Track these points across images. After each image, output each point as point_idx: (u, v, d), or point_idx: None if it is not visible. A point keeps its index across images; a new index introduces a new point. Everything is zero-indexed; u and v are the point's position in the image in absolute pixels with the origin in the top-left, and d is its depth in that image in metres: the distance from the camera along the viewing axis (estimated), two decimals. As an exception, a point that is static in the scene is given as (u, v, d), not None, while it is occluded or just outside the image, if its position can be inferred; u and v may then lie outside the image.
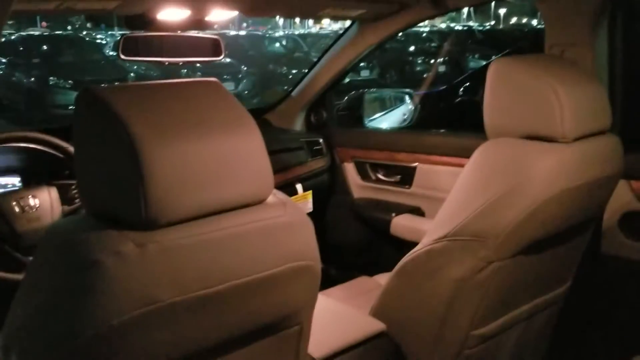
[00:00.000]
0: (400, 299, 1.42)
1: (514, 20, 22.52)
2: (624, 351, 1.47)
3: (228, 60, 9.96)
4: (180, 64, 1.37)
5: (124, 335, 0.79)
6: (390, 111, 2.58)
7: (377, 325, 1.37)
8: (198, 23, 1.69)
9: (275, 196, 0.99)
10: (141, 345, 0.82)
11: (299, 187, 2.28)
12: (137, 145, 0.79)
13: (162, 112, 0.85)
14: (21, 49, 10.36)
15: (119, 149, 0.81)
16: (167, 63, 1.80)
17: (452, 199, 1.37)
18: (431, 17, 2.20)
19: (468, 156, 1.36)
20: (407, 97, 2.58)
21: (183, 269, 0.82)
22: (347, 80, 2.73)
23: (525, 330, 1.51)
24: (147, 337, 0.82)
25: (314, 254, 1.00)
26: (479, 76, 2.14)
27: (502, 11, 22.20)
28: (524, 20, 20.78)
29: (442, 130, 2.33)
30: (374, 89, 2.74)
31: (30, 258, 1.27)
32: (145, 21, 1.60)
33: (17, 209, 1.54)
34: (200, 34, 1.76)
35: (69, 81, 8.66)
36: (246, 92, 9.94)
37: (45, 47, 10.54)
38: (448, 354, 1.36)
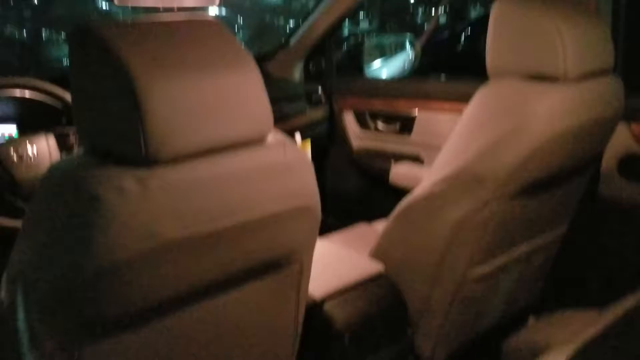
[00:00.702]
0: (399, 241, 1.43)
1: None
2: (618, 291, 1.50)
3: (224, 13, 9.78)
4: (175, 10, 1.34)
5: (127, 270, 0.80)
6: (390, 57, 2.54)
7: (376, 267, 1.39)
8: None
9: (275, 137, 0.98)
10: (144, 281, 0.83)
11: (297, 137, 2.27)
12: (135, 80, 0.78)
13: (160, 48, 0.83)
14: (11, 2, 10.14)
15: (116, 85, 0.80)
16: (161, 9, 1.76)
17: (452, 142, 1.37)
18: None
19: (468, 102, 1.36)
20: (407, 44, 2.53)
21: (184, 206, 0.83)
22: (346, 33, 2.69)
23: (522, 270, 1.53)
24: (150, 273, 0.83)
25: (313, 195, 1.01)
26: (481, 24, 2.11)
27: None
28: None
29: (442, 77, 2.31)
30: (374, 35, 2.69)
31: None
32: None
33: (15, 157, 1.54)
34: (196, -21, 1.72)
35: (62, 34, 8.51)
36: (243, 44, 9.80)
37: (35, 0, 10.31)
38: (445, 293, 1.38)
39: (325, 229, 1.12)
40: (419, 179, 1.47)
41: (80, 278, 0.78)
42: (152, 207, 0.80)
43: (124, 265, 0.79)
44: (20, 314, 0.82)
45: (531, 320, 1.68)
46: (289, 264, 1.05)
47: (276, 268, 1.03)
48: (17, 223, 1.47)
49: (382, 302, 1.35)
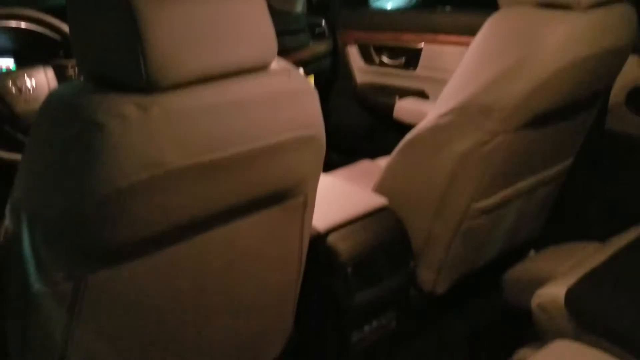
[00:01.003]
0: (403, 175, 1.43)
1: None
2: (621, 224, 1.51)
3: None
4: None
5: (130, 198, 0.80)
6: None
7: (379, 200, 1.39)
8: None
9: (279, 64, 0.96)
10: (147, 210, 0.83)
11: (300, 71, 2.23)
12: (135, 4, 0.75)
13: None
14: None
15: (115, 8, 0.77)
16: None
17: (459, 74, 1.34)
18: None
19: (476, 35, 1.32)
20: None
21: (187, 134, 0.81)
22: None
23: (525, 203, 1.53)
24: (153, 202, 0.83)
25: (318, 123, 0.99)
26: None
27: None
28: None
29: (450, 9, 2.24)
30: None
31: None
32: None
33: (13, 90, 1.51)
34: None
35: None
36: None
37: None
38: (449, 225, 1.39)
39: (328, 165, 1.11)
40: (424, 114, 1.45)
41: (83, 206, 0.78)
42: (154, 134, 0.78)
43: (127, 194, 0.79)
44: (26, 242, 0.82)
45: (532, 253, 1.70)
46: (294, 195, 1.05)
47: (280, 199, 1.03)
48: (17, 156, 1.46)
49: (385, 235, 1.36)
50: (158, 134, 0.79)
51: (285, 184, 1.00)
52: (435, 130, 1.33)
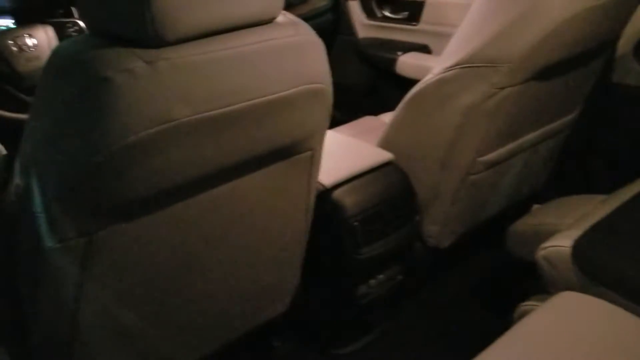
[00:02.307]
0: (408, 129, 1.42)
1: None
2: (625, 177, 1.51)
3: None
4: None
5: (139, 153, 0.79)
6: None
7: (385, 155, 1.39)
8: None
9: (286, 16, 0.94)
10: (156, 165, 0.83)
11: (303, 25, 2.19)
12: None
13: None
14: None
15: None
16: None
17: (464, 27, 1.32)
18: None
19: None
20: None
21: (195, 88, 0.81)
22: None
23: (530, 157, 1.53)
24: (162, 156, 0.83)
25: (326, 76, 0.98)
26: None
27: None
28: None
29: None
30: None
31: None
32: None
33: (14, 48, 1.50)
34: None
35: None
36: None
37: None
38: (453, 179, 1.39)
39: (331, 123, 1.11)
40: (427, 68, 1.43)
41: (92, 161, 0.77)
42: (161, 88, 0.78)
43: (135, 148, 0.79)
44: (37, 198, 0.82)
45: (535, 207, 1.71)
46: (302, 150, 1.05)
47: (288, 154, 1.03)
48: (22, 116, 1.45)
49: (391, 189, 1.37)
50: (165, 88, 0.78)
51: (293, 139, 1.00)
52: (441, 84, 1.32)
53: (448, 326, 1.57)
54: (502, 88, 1.25)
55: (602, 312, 1.09)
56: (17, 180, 0.86)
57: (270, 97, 0.89)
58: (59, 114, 0.79)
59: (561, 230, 1.29)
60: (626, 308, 1.09)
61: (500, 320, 1.30)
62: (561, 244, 1.22)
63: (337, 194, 1.30)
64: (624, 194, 1.38)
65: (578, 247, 1.19)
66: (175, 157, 0.84)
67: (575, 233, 1.24)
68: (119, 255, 0.92)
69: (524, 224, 1.53)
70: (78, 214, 0.83)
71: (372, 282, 1.38)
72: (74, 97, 0.77)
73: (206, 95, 0.82)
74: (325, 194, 1.29)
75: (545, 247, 1.25)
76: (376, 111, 1.99)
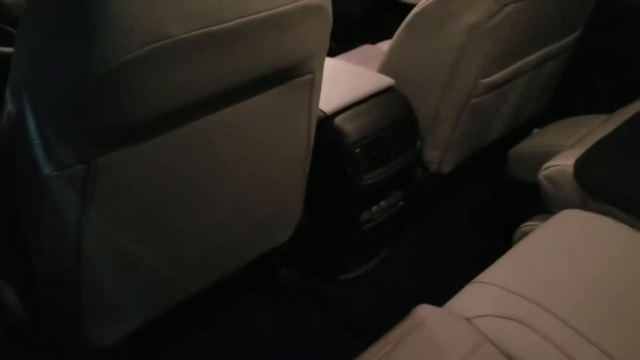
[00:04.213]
0: (408, 53, 1.39)
1: None
2: (626, 98, 1.49)
3: None
4: None
5: (134, 73, 0.77)
6: None
7: (385, 80, 1.36)
8: None
9: None
10: (153, 86, 0.80)
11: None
12: None
13: None
14: None
15: None
16: None
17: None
18: None
19: None
20: None
21: (189, 3, 0.77)
22: None
23: (532, 78, 1.50)
24: (158, 77, 0.80)
25: None
26: None
27: None
28: None
29: None
30: None
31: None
32: None
33: (-6, -22, 1.43)
34: None
35: None
36: None
37: None
38: (455, 103, 1.37)
39: (329, 53, 1.08)
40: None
41: (85, 82, 0.75)
42: (155, 4, 0.74)
43: (130, 68, 0.76)
44: (31, 124, 0.80)
45: (536, 131, 1.70)
46: (301, 73, 1.02)
47: (288, 77, 1.00)
48: (9, 49, 1.41)
49: (392, 115, 1.35)
50: (159, 4, 0.75)
51: (292, 59, 0.97)
52: (442, 2, 1.28)
53: (450, 249, 1.59)
54: (506, 5, 1.22)
55: (603, 228, 1.09)
56: (9, 107, 0.84)
57: (267, 12, 0.85)
58: (47, 34, 0.75)
59: (563, 151, 1.28)
60: (627, 223, 1.10)
61: (502, 241, 1.32)
62: (563, 162, 1.22)
63: (337, 120, 1.28)
64: (626, 113, 1.37)
65: (580, 165, 1.19)
66: (171, 77, 0.82)
67: (577, 152, 1.23)
68: (120, 183, 0.91)
69: (525, 147, 1.53)
70: (75, 139, 0.81)
71: (375, 208, 1.38)
72: (64, 15, 0.73)
73: (203, 11, 0.78)
74: (326, 121, 1.27)
75: (548, 167, 1.25)
76: (374, 40, 1.95)
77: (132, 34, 0.73)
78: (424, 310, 0.95)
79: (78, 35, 0.73)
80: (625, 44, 1.66)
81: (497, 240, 1.34)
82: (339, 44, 2.18)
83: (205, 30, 0.80)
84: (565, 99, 1.74)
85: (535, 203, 1.34)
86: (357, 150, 1.28)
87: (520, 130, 1.67)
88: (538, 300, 0.93)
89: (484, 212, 1.70)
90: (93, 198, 0.89)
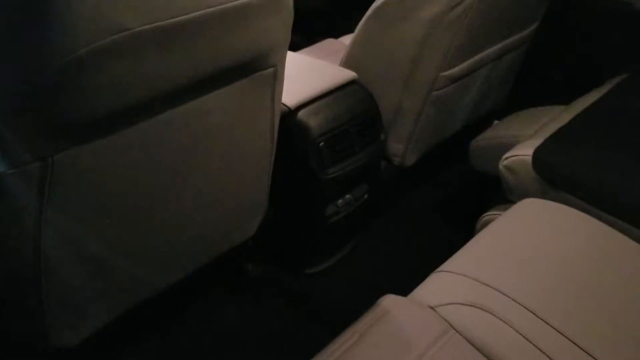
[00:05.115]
0: (371, 46, 1.40)
1: None
2: (583, 88, 1.53)
3: None
4: None
5: (91, 67, 0.75)
6: None
7: (348, 74, 1.37)
8: None
9: None
10: (109, 80, 0.79)
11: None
12: None
13: None
14: None
15: None
16: None
17: None
18: None
19: None
20: None
21: None
22: None
23: (492, 70, 1.53)
24: (115, 71, 0.78)
25: None
26: None
27: None
28: None
29: None
30: None
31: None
32: None
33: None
34: None
35: None
36: None
37: None
38: (417, 95, 1.38)
39: (291, 48, 1.08)
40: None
41: (41, 76, 0.73)
42: None
43: (87, 61, 0.74)
44: (-17, 120, 0.78)
45: (496, 123, 1.73)
46: (263, 67, 1.01)
47: (249, 71, 1.00)
48: None
49: (355, 109, 1.35)
50: (115, -4, 0.73)
51: (253, 53, 0.97)
52: (403, -4, 1.29)
53: (416, 240, 1.61)
54: (465, -2, 1.24)
55: (562, 216, 1.12)
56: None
57: (227, 5, 0.85)
58: (2, 28, 0.74)
59: (522, 141, 1.31)
60: (586, 211, 1.13)
61: (466, 231, 1.34)
62: (522, 153, 1.25)
63: (301, 114, 1.28)
64: (582, 103, 1.41)
65: (539, 153, 1.22)
66: (128, 72, 0.80)
67: (536, 142, 1.26)
68: (80, 181, 0.89)
69: (485, 138, 1.55)
70: (30, 136, 0.79)
71: (340, 201, 1.39)
72: (18, 8, 0.71)
73: (159, 3, 0.77)
74: (289, 115, 1.27)
75: (507, 157, 1.28)
76: (337, 35, 1.95)
77: (89, 26, 0.72)
78: (389, 301, 0.96)
79: (32, 28, 0.71)
80: (582, 35, 1.70)
81: (461, 231, 1.36)
82: (302, 38, 2.18)
83: (164, 22, 0.79)
84: (524, 90, 1.77)
85: (497, 193, 1.36)
86: (321, 144, 1.28)
87: (481, 122, 1.70)
88: (500, 288, 0.95)
89: (448, 202, 1.73)
90: (51, 196, 0.87)
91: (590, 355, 0.85)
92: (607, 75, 1.54)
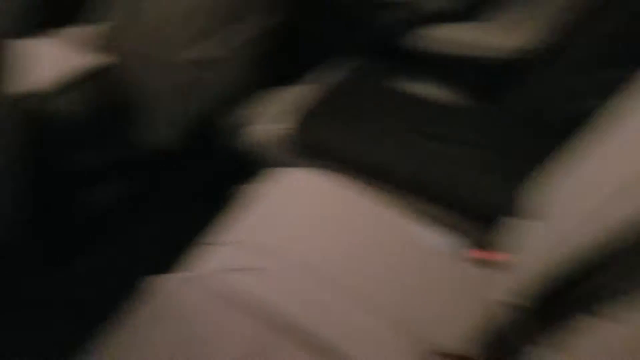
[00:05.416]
0: (123, 32, 1.35)
1: None
2: (329, 64, 1.65)
3: None
4: None
5: None
6: None
7: (100, 60, 1.31)
8: None
9: None
10: None
11: None
12: None
13: None
14: None
15: None
16: None
17: None
18: None
19: None
20: None
21: None
22: None
23: (237, 52, 1.59)
24: None
25: None
26: None
27: None
28: None
29: None
30: None
31: None
32: None
33: None
34: None
35: None
36: None
37: None
38: (166, 80, 1.38)
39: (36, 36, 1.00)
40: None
41: None
42: None
43: None
44: None
45: (247, 102, 1.80)
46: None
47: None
48: None
49: (107, 94, 1.31)
50: None
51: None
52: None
53: (178, 224, 1.60)
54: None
55: (314, 184, 1.21)
56: None
57: None
58: None
59: (271, 116, 1.41)
60: (336, 177, 1.25)
61: (226, 207, 1.39)
62: (272, 127, 1.34)
63: (50, 102, 1.20)
64: (331, 79, 1.55)
65: (289, 127, 1.32)
66: None
67: (285, 116, 1.37)
68: None
69: (237, 117, 1.62)
70: None
71: (94, 190, 1.34)
72: None
73: None
74: (36, 102, 1.19)
75: (258, 133, 1.36)
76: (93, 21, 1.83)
77: None
78: (155, 281, 0.97)
79: None
80: (312, 16, 1.80)
81: (221, 208, 1.41)
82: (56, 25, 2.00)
83: None
84: (271, 70, 1.84)
85: (253, 168, 1.44)
86: (71, 131, 1.23)
87: (233, 102, 1.75)
88: (266, 249, 1.02)
89: (207, 184, 1.76)
90: None
91: (354, 296, 0.97)
92: (341, 57, 1.68)
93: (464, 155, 1.31)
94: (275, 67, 1.73)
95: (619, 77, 1.02)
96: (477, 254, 1.14)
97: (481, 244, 1.16)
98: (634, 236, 0.74)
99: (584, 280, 0.81)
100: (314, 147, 1.32)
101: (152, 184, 1.61)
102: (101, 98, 1.29)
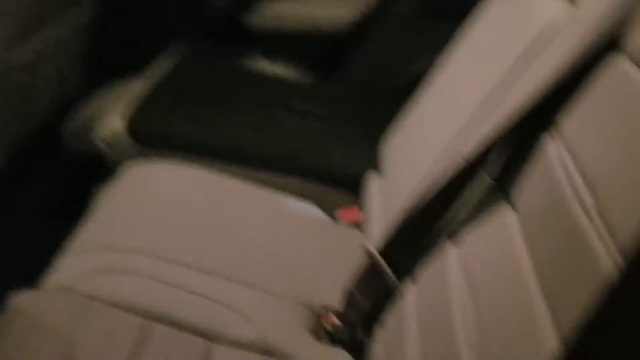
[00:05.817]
0: None
1: None
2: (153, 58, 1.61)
3: None
4: None
5: None
6: None
7: None
8: None
9: None
10: None
11: None
12: None
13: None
14: None
15: None
16: None
17: None
18: None
19: None
20: None
21: None
22: None
23: (63, 52, 1.50)
24: None
25: None
26: None
27: None
28: None
29: None
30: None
31: None
32: None
33: None
34: None
35: None
36: None
37: None
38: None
39: None
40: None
41: None
42: None
43: None
44: None
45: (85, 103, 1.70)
46: None
47: None
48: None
49: None
50: None
51: None
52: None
53: (30, 243, 1.47)
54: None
55: (164, 172, 1.21)
56: None
57: None
58: None
59: (112, 112, 1.36)
60: (182, 163, 1.24)
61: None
62: (114, 122, 1.30)
63: None
64: (158, 71, 1.52)
65: (131, 121, 1.29)
66: None
67: (125, 110, 1.33)
68: None
69: (76, 119, 1.53)
70: None
71: None
72: None
73: None
74: None
75: (101, 130, 1.31)
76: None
77: None
78: (18, 298, 0.90)
79: None
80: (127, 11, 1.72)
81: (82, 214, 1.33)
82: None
83: None
84: (109, 65, 1.74)
85: (105, 167, 1.37)
86: None
87: (70, 106, 1.65)
88: (124, 247, 0.99)
89: (51, 197, 1.63)
90: None
91: (212, 274, 0.98)
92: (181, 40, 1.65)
93: (313, 127, 1.37)
94: (111, 61, 1.65)
95: (449, 32, 1.12)
96: (343, 215, 1.20)
97: (345, 207, 1.23)
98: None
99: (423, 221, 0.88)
100: (155, 136, 1.31)
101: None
102: None
